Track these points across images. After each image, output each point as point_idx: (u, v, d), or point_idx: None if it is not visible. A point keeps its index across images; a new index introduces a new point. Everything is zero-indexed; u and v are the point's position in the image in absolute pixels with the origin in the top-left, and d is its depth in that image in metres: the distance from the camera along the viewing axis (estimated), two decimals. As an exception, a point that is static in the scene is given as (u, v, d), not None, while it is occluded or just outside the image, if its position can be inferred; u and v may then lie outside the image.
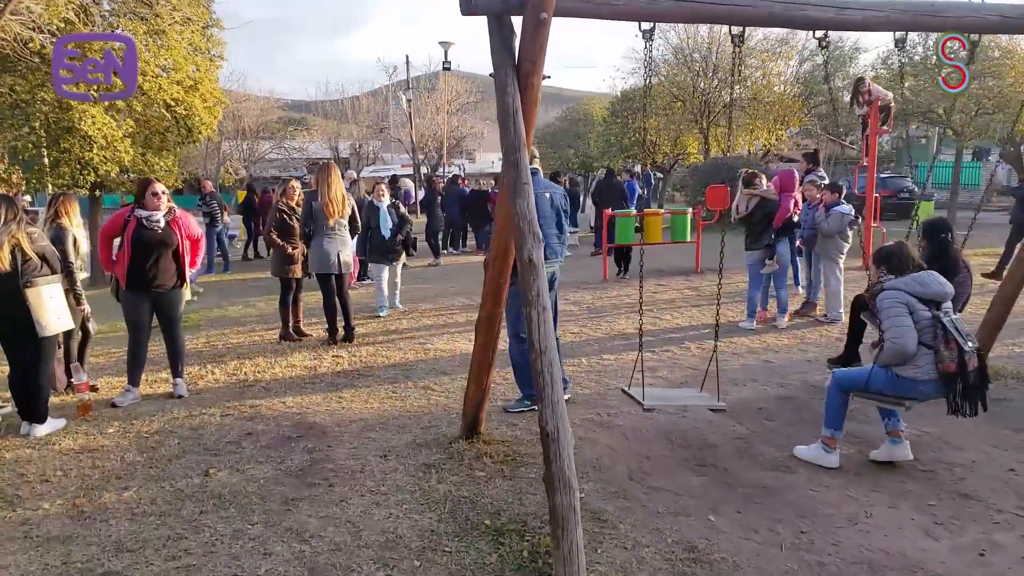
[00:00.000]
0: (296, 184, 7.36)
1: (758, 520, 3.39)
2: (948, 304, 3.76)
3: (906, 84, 16.77)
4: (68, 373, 5.39)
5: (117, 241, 5.17)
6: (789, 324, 7.27)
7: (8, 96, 9.48)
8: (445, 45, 25.25)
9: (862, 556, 3.05)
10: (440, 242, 13.77)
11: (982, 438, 4.28)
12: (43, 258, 4.54)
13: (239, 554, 3.09)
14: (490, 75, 3.19)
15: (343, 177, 7.29)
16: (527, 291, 2.94)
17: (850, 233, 7.34)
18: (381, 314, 8.18)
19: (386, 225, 7.98)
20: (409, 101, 31.23)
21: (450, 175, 21.54)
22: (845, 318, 7.31)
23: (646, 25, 3.52)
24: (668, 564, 2.99)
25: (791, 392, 5.26)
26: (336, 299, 6.82)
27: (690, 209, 11.30)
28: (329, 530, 3.28)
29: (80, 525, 3.37)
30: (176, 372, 5.42)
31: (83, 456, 4.22)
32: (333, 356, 6.46)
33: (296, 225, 6.92)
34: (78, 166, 10.27)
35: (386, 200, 8.12)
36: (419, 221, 13.47)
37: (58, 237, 5.02)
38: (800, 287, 8.38)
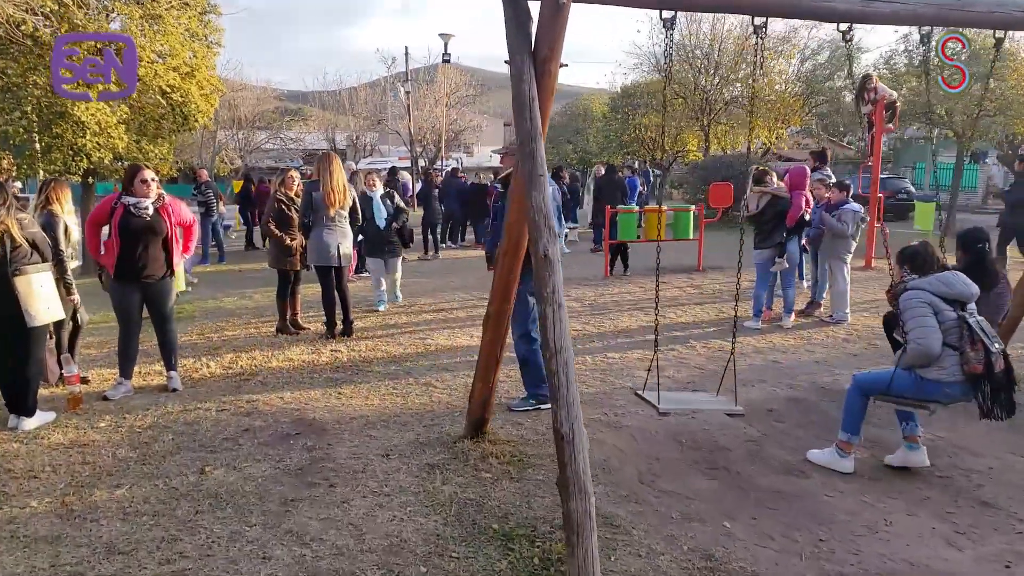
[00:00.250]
0: (295, 174, 7.20)
1: (773, 526, 3.29)
2: (972, 305, 3.66)
3: (907, 85, 16.70)
4: (59, 364, 5.23)
5: (105, 229, 5.02)
6: (794, 324, 7.18)
7: (-1, 79, 9.30)
8: (445, 37, 25.10)
9: (885, 566, 2.95)
10: (438, 236, 13.61)
11: (999, 444, 4.19)
12: (33, 245, 4.37)
13: (237, 558, 2.96)
14: (505, 62, 3.05)
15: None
16: (542, 288, 2.82)
17: (858, 233, 7.27)
18: (379, 308, 8.04)
19: (380, 215, 7.79)
20: (408, 93, 31.02)
21: (449, 168, 21.35)
22: (851, 319, 7.24)
23: (667, 14, 3.38)
24: (686, 573, 2.88)
25: (800, 393, 5.16)
26: (335, 292, 6.68)
27: (693, 206, 11.18)
28: (331, 533, 3.15)
29: (69, 525, 3.23)
30: (170, 365, 5.28)
31: (73, 451, 4.07)
32: (331, 350, 6.32)
33: (295, 216, 6.77)
34: (70, 152, 10.07)
35: (379, 190, 7.96)
36: (416, 214, 13.28)
37: (49, 224, 4.86)
38: (806, 284, 8.30)
